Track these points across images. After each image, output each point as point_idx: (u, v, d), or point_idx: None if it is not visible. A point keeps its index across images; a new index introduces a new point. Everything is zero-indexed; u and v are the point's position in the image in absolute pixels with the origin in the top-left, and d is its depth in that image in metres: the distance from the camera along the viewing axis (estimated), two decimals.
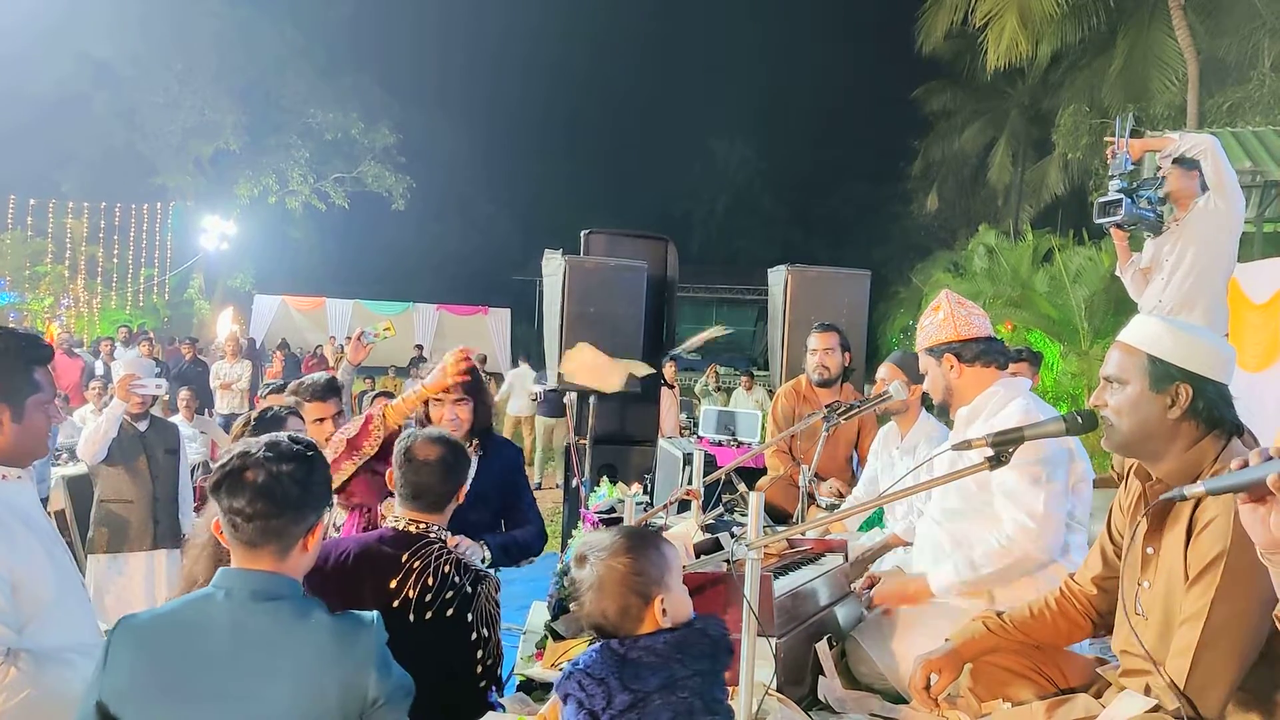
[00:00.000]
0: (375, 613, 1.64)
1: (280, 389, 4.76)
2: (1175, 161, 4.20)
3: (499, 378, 14.88)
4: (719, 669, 1.63)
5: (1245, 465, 1.28)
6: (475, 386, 3.12)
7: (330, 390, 3.46)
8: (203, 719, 1.48)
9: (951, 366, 2.68)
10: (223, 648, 1.50)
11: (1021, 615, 2.11)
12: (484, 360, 15.78)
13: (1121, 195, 4.12)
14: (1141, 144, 4.22)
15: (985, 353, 2.67)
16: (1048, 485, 2.41)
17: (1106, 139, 4.28)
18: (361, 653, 1.55)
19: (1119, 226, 4.23)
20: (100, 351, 13.36)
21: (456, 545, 2.81)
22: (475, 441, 3.15)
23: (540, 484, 11.24)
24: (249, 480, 1.55)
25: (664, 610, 1.60)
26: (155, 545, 4.93)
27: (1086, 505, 2.57)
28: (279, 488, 1.55)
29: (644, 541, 1.66)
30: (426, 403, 3.08)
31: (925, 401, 3.69)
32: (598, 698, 1.53)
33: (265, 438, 1.64)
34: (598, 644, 1.61)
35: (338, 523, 3.07)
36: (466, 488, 2.50)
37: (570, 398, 5.56)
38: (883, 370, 3.71)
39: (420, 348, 20.39)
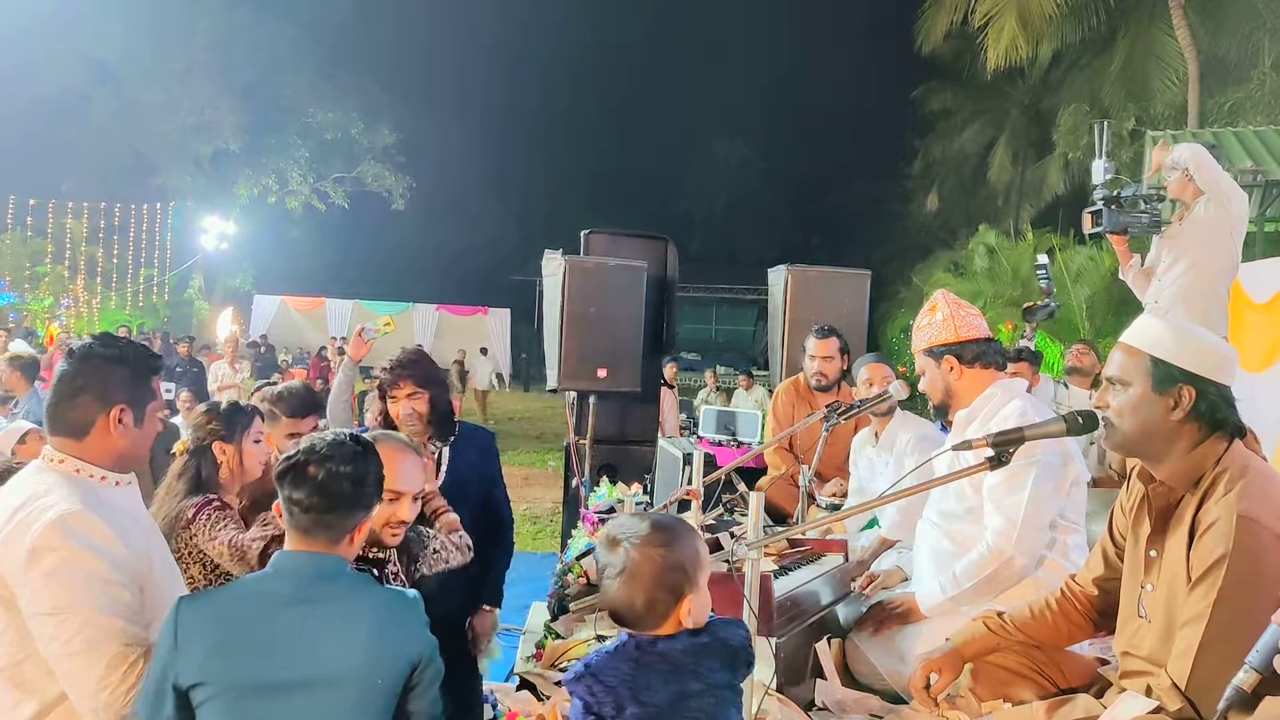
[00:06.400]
0: (414, 590, 1.78)
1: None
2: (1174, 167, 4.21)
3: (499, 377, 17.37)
4: (736, 681, 1.58)
5: None
6: (427, 378, 2.99)
7: (310, 406, 3.28)
8: (279, 689, 1.57)
9: (951, 368, 2.67)
10: (292, 620, 1.60)
11: (1022, 615, 2.11)
12: (485, 351, 17.26)
13: (1102, 205, 4.13)
14: (1154, 163, 4.25)
15: (984, 354, 2.66)
16: (1033, 488, 2.39)
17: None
18: (417, 622, 1.71)
19: (1112, 233, 4.24)
20: None
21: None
22: (432, 435, 3.02)
23: None
24: (310, 475, 1.67)
25: (689, 610, 1.53)
26: None
27: (1081, 508, 2.55)
28: (335, 485, 1.68)
29: (683, 533, 1.58)
30: (385, 401, 2.99)
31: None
32: (607, 705, 1.49)
33: (330, 436, 1.76)
34: (613, 644, 1.57)
35: None
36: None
37: (570, 397, 5.55)
38: (866, 372, 3.71)
39: (420, 347, 20.37)
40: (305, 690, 1.57)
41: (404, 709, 1.66)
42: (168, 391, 5.20)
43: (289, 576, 1.65)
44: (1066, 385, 6.15)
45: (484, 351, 21.09)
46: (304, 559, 1.67)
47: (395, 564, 2.29)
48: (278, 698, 1.57)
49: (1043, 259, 4.47)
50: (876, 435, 3.68)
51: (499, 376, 19.83)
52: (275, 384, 3.73)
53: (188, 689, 1.56)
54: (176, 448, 2.60)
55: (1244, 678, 1.36)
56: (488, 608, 3.16)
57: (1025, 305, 4.40)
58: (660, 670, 1.50)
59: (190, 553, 2.41)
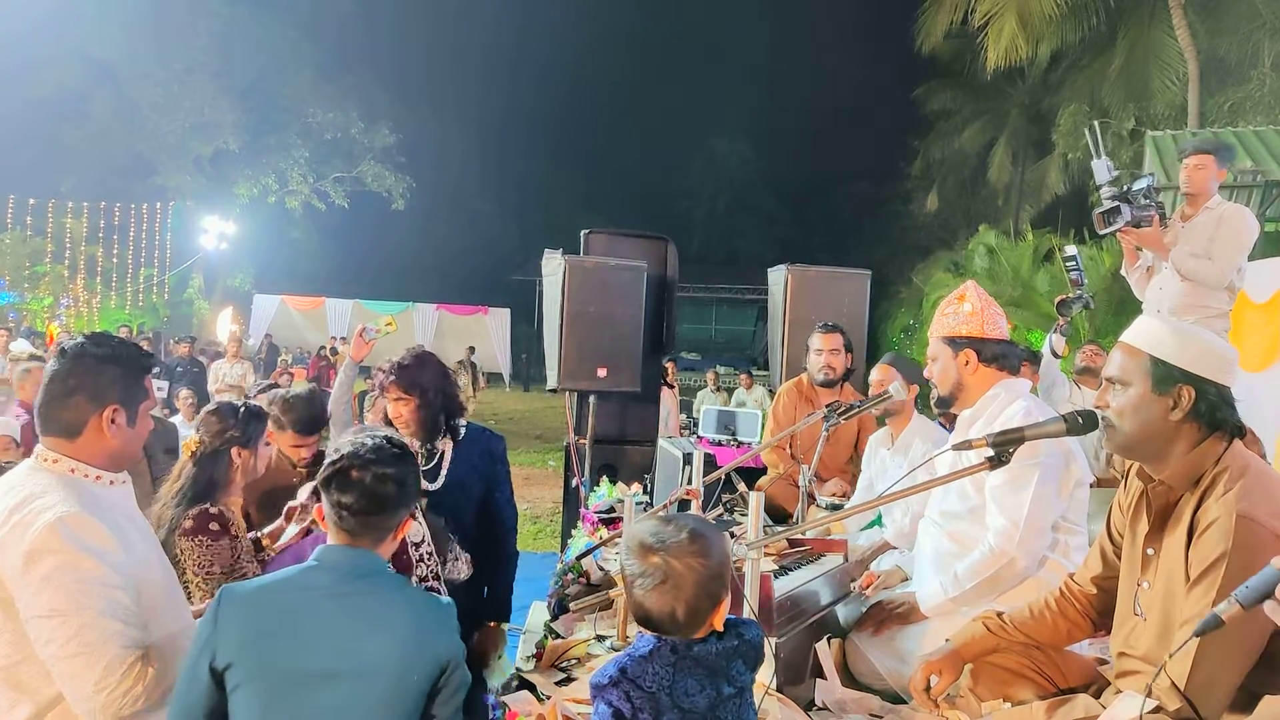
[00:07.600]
0: (449, 598, 1.84)
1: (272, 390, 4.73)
2: (1204, 151, 4.13)
3: (497, 377, 18.08)
4: (753, 682, 1.58)
5: None
6: (414, 383, 2.93)
7: (318, 424, 3.27)
8: (312, 678, 1.60)
9: (968, 362, 2.63)
10: (329, 613, 1.64)
11: (1021, 615, 2.11)
12: (473, 351, 17.63)
13: (1118, 202, 4.10)
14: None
15: (1002, 355, 2.64)
16: (1036, 489, 2.38)
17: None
18: (449, 626, 1.74)
19: (1125, 230, 4.20)
20: None
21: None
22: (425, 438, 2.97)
23: None
24: (356, 480, 1.72)
25: (723, 614, 1.52)
26: None
27: (1083, 508, 2.54)
28: (381, 488, 1.73)
29: (717, 539, 1.56)
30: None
31: (919, 402, 3.68)
32: (644, 712, 1.44)
33: (368, 440, 1.80)
34: (643, 648, 1.52)
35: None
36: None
37: (570, 397, 5.56)
38: (877, 373, 3.70)
39: (424, 350, 20.50)
40: (335, 681, 1.60)
41: (428, 713, 1.68)
42: (160, 390, 5.19)
43: (329, 570, 1.70)
44: (1080, 386, 6.16)
45: (471, 351, 21.77)
46: (345, 554, 1.72)
47: (426, 558, 2.32)
48: (308, 687, 1.60)
49: (1071, 250, 4.42)
50: (893, 437, 3.67)
51: (488, 375, 21.08)
52: (276, 385, 3.73)
53: (223, 670, 1.60)
54: (184, 447, 2.60)
55: (1226, 608, 1.36)
56: (493, 624, 3.07)
57: (1059, 298, 4.37)
58: (697, 675, 1.48)
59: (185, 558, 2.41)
